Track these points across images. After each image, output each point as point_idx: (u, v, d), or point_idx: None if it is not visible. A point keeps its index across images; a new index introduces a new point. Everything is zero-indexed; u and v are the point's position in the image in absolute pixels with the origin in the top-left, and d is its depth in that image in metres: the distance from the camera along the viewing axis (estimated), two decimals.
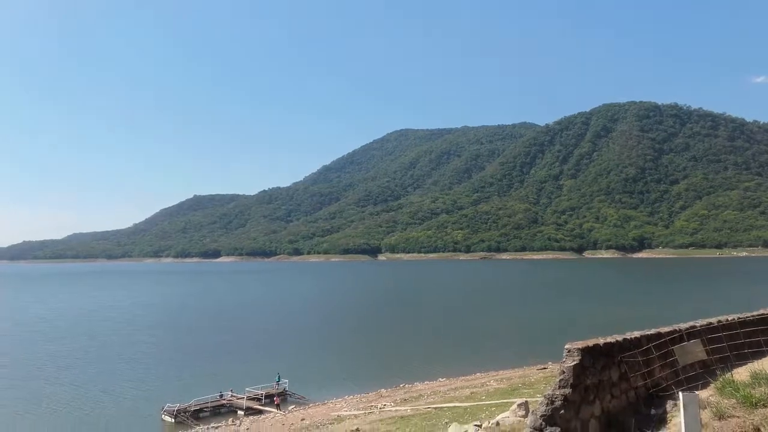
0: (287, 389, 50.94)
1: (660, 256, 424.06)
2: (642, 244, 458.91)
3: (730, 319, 14.84)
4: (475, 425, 22.00)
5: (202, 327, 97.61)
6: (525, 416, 20.18)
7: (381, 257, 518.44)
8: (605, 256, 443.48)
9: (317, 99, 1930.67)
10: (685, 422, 9.85)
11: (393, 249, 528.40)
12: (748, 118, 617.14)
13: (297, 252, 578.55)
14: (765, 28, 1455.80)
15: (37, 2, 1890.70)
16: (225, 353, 71.70)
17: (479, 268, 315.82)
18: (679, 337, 13.20)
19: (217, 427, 41.19)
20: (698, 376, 12.85)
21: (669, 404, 11.65)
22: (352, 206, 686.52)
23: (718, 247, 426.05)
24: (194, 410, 45.36)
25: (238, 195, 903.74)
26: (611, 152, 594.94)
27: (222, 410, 46.87)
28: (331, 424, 36.13)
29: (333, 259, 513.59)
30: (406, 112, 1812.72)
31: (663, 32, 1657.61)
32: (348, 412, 39.27)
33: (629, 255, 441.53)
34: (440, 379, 51.82)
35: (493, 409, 30.55)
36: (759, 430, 10.03)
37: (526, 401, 23.24)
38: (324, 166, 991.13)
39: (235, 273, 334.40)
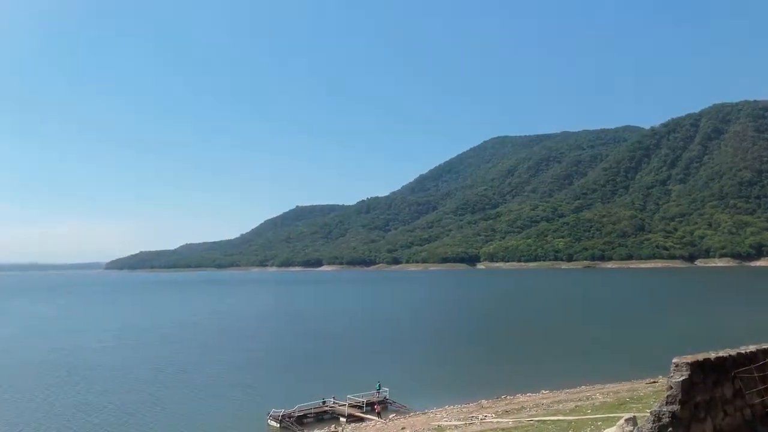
0: (388, 397, 51.37)
1: None
2: (760, 251, 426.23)
3: None
4: None
5: (307, 334, 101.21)
6: None
7: (480, 266, 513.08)
8: (719, 264, 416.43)
9: (412, 108, 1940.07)
10: None
11: (492, 258, 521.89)
12: None
13: (396, 261, 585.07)
14: None
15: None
16: (327, 360, 73.83)
17: (582, 278, 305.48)
18: None
19: None
20: None
21: None
22: (450, 215, 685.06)
23: None
24: (298, 416, 46.64)
25: (338, 205, 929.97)
26: (724, 155, 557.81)
27: (325, 417, 47.98)
28: None
29: (431, 268, 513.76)
30: (502, 119, 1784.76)
31: None
32: (448, 423, 39.16)
33: (746, 263, 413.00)
34: (543, 392, 50.54)
35: (599, 423, 29.53)
36: None
37: (634, 416, 22.25)
38: (421, 175, 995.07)
39: (337, 282, 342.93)
